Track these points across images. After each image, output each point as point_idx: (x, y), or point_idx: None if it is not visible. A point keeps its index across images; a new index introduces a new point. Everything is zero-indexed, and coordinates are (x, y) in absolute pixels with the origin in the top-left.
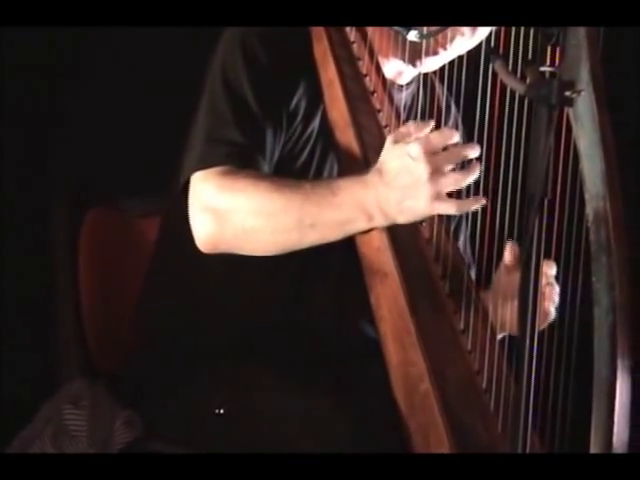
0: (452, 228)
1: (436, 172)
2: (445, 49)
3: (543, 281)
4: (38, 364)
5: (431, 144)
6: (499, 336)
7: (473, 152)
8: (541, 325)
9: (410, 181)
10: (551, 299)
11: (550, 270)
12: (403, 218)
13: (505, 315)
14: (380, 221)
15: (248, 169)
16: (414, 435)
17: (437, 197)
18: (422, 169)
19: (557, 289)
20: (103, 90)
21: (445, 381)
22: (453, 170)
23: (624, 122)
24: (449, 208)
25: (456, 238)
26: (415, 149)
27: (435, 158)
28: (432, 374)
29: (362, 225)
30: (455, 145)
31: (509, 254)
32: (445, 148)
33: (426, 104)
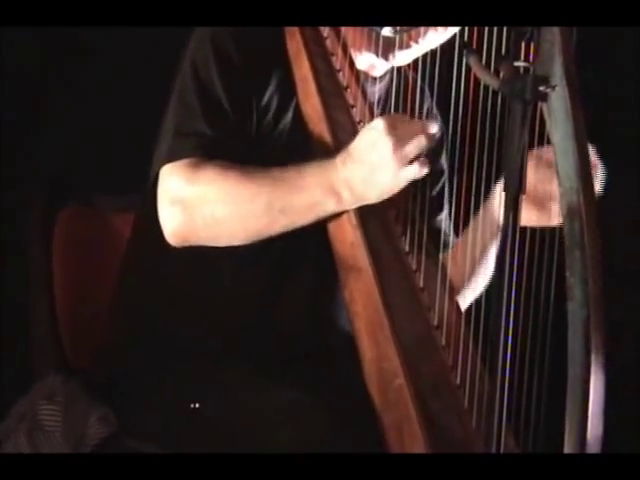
0: (435, 193)
1: (399, 143)
2: (418, 43)
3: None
4: (13, 361)
5: (394, 118)
6: None
7: (433, 126)
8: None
9: (375, 154)
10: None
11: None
12: (373, 194)
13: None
14: (350, 201)
15: (216, 160)
16: (388, 430)
17: (402, 166)
18: (386, 142)
19: None
20: (76, 88)
21: (419, 376)
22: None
23: (624, 122)
24: (416, 171)
25: (440, 208)
26: (379, 123)
27: (397, 130)
28: (406, 369)
29: (332, 207)
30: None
31: None
32: None
33: (399, 97)
